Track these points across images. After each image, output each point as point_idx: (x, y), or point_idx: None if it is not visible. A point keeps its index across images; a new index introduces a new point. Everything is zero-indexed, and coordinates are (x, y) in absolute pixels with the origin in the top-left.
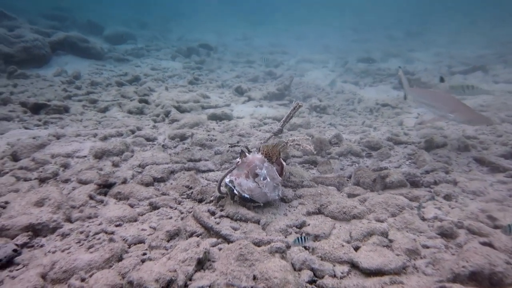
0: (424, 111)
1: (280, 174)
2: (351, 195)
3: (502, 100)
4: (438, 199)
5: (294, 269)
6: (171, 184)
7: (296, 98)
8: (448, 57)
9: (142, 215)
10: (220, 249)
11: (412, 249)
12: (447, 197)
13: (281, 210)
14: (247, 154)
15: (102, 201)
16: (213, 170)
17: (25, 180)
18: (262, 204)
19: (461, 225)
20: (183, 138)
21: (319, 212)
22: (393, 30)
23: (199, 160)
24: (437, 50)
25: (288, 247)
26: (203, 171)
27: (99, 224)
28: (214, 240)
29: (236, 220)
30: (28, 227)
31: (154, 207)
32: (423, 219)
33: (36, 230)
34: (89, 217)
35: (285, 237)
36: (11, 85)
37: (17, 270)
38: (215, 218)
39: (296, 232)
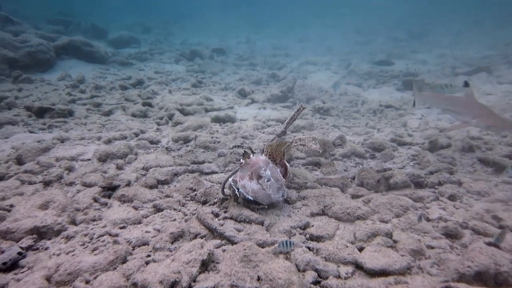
0: (428, 112)
1: (284, 176)
2: (355, 196)
3: (506, 101)
4: (443, 200)
5: (298, 270)
6: (175, 186)
7: (300, 100)
8: (452, 58)
9: (146, 217)
10: (224, 251)
11: (417, 250)
12: (452, 198)
13: (285, 212)
14: (250, 155)
15: (106, 204)
16: (216, 172)
17: (30, 183)
18: (266, 206)
19: (466, 226)
20: (186, 140)
21: (323, 213)
22: (396, 31)
23: (203, 162)
24: (441, 51)
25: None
26: (207, 173)
27: (104, 227)
28: (218, 241)
29: (240, 222)
30: (33, 230)
31: (158, 209)
32: (428, 219)
33: (41, 233)
34: (94, 220)
35: (289, 238)
36: (16, 90)
37: (22, 272)
38: (219, 220)
39: (300, 234)
